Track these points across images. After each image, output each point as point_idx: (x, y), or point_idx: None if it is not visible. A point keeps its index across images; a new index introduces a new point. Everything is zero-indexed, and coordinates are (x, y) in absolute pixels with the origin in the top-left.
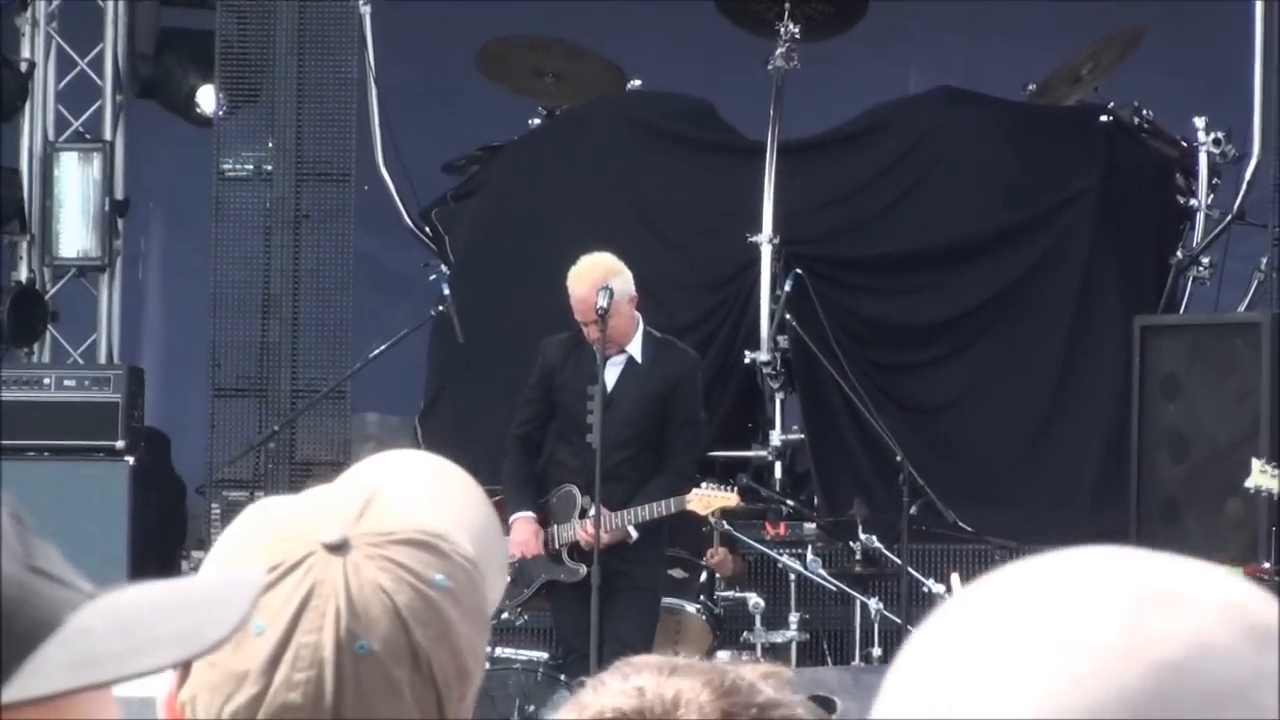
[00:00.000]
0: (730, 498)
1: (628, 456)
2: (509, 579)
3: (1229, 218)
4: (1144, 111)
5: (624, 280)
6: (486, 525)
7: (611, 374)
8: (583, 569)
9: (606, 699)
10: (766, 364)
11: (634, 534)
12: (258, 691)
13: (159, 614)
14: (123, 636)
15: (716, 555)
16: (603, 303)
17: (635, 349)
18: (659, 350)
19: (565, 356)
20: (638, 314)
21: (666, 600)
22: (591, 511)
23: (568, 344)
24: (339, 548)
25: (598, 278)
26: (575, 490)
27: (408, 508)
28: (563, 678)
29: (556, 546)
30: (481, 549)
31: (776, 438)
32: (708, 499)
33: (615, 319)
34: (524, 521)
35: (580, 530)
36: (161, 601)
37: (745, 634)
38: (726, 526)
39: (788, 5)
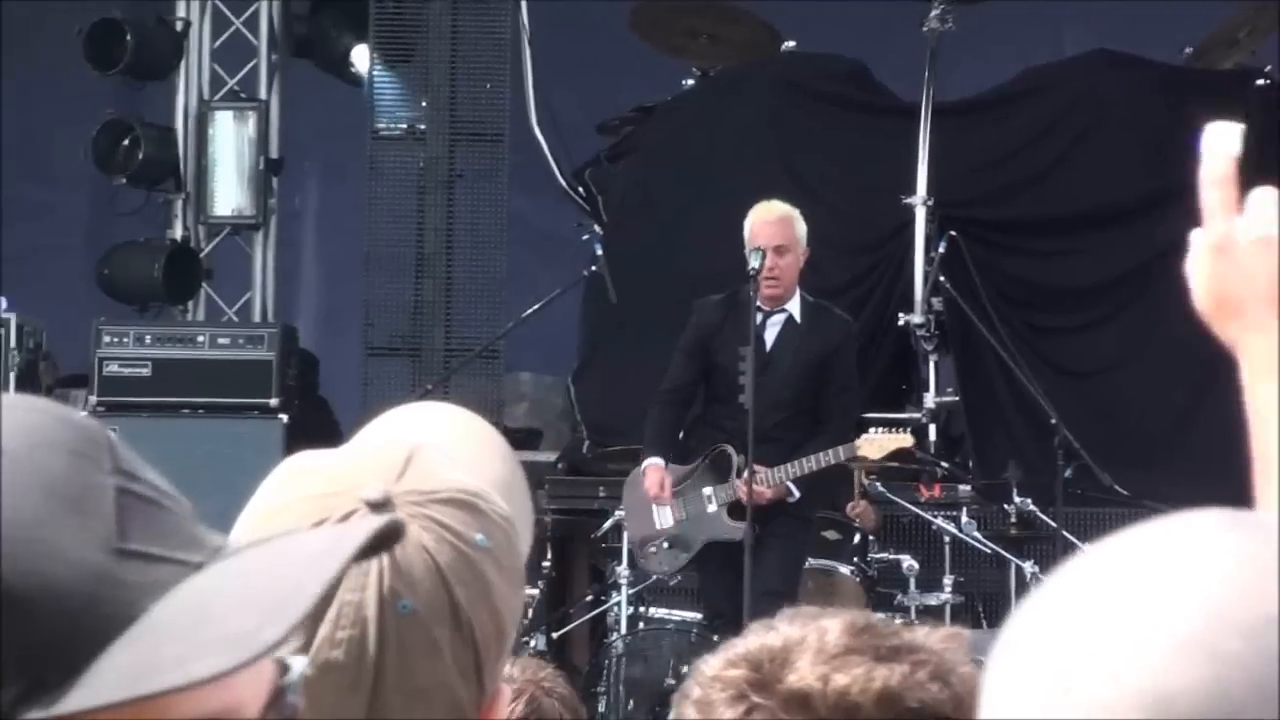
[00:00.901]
0: (904, 439)
1: (784, 419)
2: (667, 546)
3: None
4: None
5: (804, 229)
6: (513, 480)
7: (770, 333)
8: (743, 528)
9: (750, 641)
10: (920, 326)
11: (795, 491)
12: (299, 648)
13: (230, 602)
14: (185, 636)
15: (858, 507)
16: (785, 239)
17: (794, 309)
18: (816, 314)
19: (723, 317)
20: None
21: (820, 562)
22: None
23: (724, 304)
24: (382, 505)
25: (785, 212)
26: (730, 450)
27: (448, 465)
28: (716, 638)
29: (716, 507)
30: (510, 505)
31: (931, 400)
32: (880, 442)
33: (789, 258)
34: (653, 469)
35: (741, 488)
36: (238, 584)
37: (899, 596)
38: (880, 488)
39: None
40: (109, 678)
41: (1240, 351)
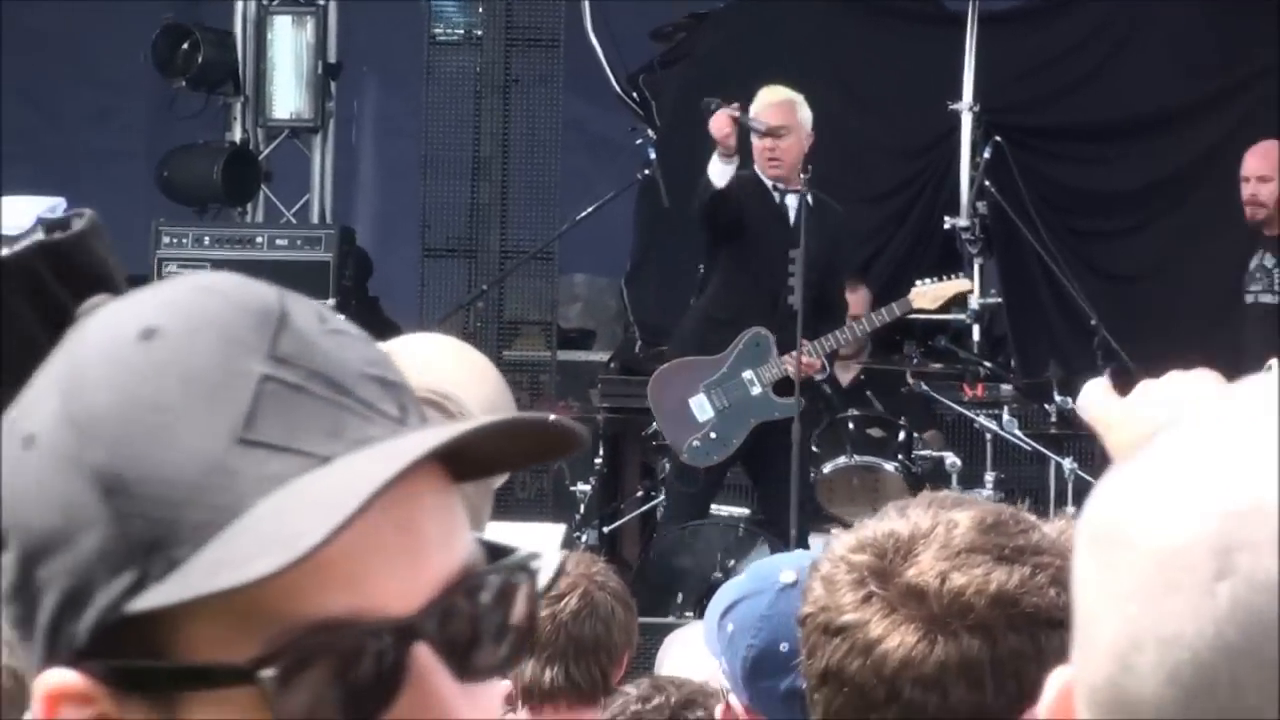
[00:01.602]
0: (962, 283)
1: (810, 296)
2: (714, 436)
3: None
4: None
5: (808, 114)
6: (499, 400)
7: (789, 211)
8: (792, 403)
9: (881, 526)
10: (966, 229)
11: (826, 368)
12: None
13: (305, 501)
14: (259, 538)
15: (929, 434)
16: (786, 120)
17: (805, 189)
18: (820, 201)
19: (745, 192)
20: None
21: (866, 458)
22: (792, 354)
23: (745, 180)
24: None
25: (788, 96)
26: (765, 331)
27: (419, 371)
28: (761, 534)
29: (760, 388)
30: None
31: (975, 301)
32: (933, 292)
33: (791, 139)
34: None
35: (788, 362)
36: (324, 483)
37: (944, 493)
38: (924, 387)
39: None
40: (195, 574)
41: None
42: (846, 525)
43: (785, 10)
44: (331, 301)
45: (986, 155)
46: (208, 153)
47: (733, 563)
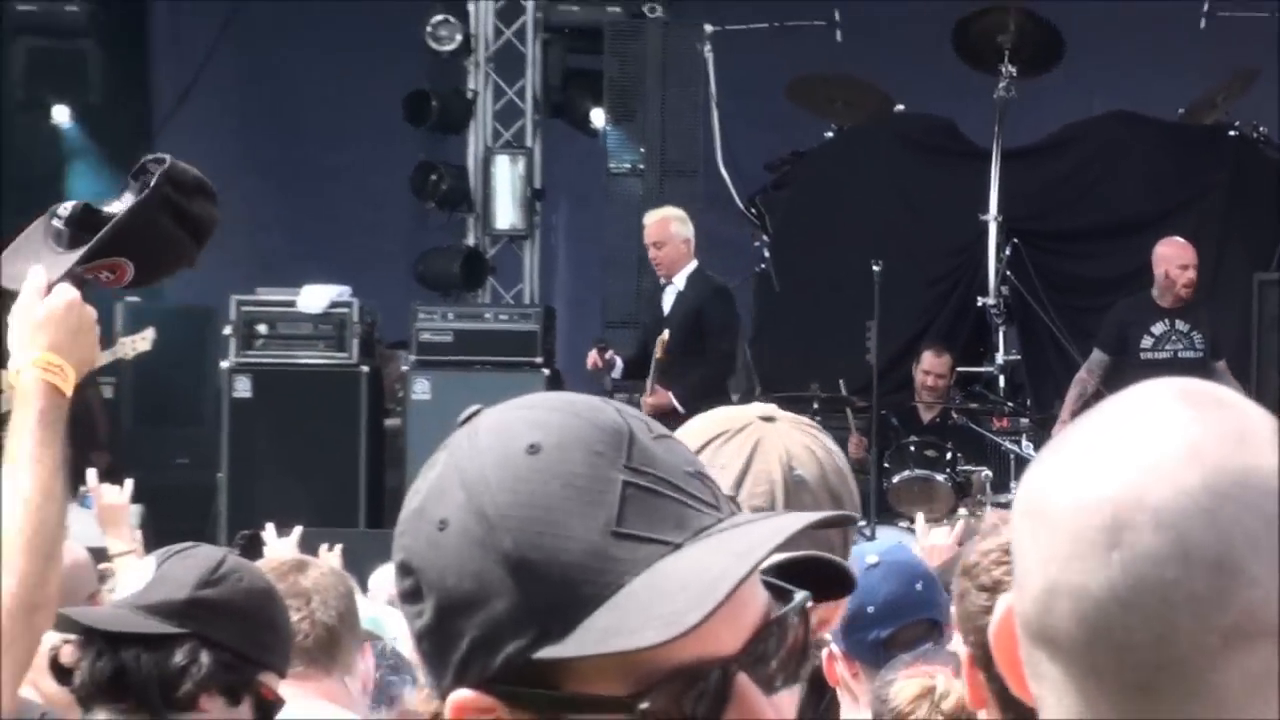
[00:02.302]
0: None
1: (675, 357)
2: None
3: None
4: (1260, 128)
5: (681, 224)
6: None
7: (667, 299)
8: None
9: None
10: (993, 306)
11: (680, 406)
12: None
13: (678, 583)
14: (643, 609)
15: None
16: (659, 237)
17: (681, 281)
18: (696, 282)
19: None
20: (691, 256)
21: (922, 471)
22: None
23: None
24: (770, 419)
25: (661, 215)
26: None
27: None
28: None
29: None
30: None
31: (1000, 358)
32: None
33: (665, 249)
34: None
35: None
36: (690, 565)
37: (979, 497)
38: (966, 420)
39: (1007, 51)
40: (591, 635)
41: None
42: (910, 520)
43: (862, 149)
44: (539, 359)
45: (1007, 253)
46: (450, 254)
47: None
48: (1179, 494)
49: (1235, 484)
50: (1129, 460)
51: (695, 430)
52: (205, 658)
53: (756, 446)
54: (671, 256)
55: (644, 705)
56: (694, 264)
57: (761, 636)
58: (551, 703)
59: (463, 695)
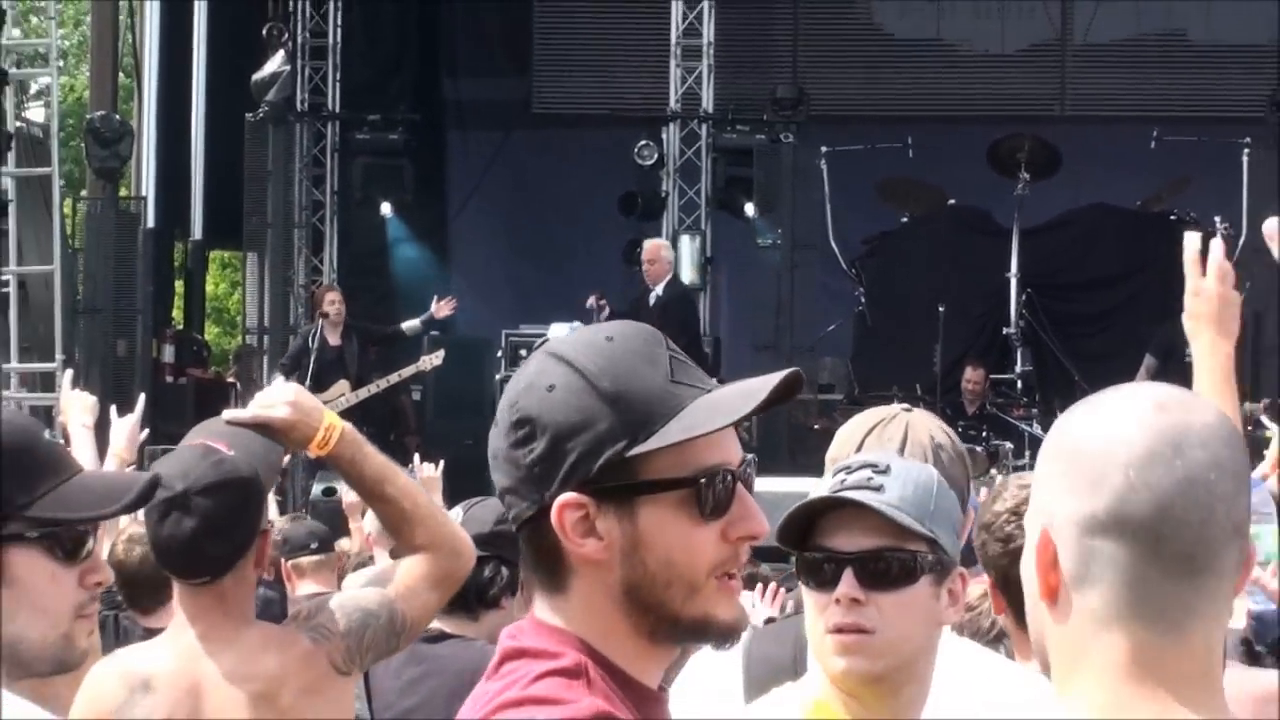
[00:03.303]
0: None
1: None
2: None
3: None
4: (1190, 213)
5: (666, 250)
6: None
7: (652, 299)
8: None
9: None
10: (1014, 334)
11: None
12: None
13: (728, 395)
14: (708, 410)
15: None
16: (653, 257)
17: (660, 288)
18: (671, 287)
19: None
20: (670, 271)
21: (966, 445)
22: None
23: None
24: (909, 410)
25: (654, 244)
26: None
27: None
28: None
29: None
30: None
31: (1019, 369)
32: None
33: (655, 266)
34: None
35: None
36: (730, 390)
37: (1005, 462)
38: (995, 409)
39: (1023, 163)
40: (671, 433)
41: (1195, 341)
42: None
43: (926, 230)
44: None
45: (1024, 298)
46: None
47: None
48: (1206, 425)
49: (1229, 426)
50: (1133, 429)
51: (860, 421)
52: (504, 572)
53: (908, 426)
54: (658, 270)
55: (704, 481)
56: (670, 275)
57: (746, 463)
58: (634, 489)
59: (566, 496)
